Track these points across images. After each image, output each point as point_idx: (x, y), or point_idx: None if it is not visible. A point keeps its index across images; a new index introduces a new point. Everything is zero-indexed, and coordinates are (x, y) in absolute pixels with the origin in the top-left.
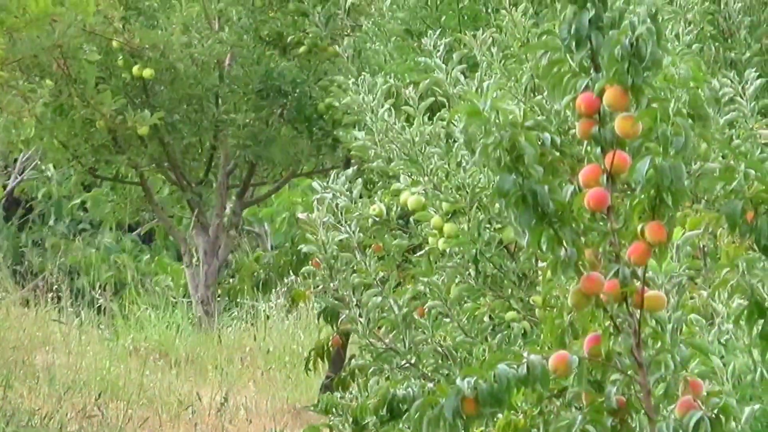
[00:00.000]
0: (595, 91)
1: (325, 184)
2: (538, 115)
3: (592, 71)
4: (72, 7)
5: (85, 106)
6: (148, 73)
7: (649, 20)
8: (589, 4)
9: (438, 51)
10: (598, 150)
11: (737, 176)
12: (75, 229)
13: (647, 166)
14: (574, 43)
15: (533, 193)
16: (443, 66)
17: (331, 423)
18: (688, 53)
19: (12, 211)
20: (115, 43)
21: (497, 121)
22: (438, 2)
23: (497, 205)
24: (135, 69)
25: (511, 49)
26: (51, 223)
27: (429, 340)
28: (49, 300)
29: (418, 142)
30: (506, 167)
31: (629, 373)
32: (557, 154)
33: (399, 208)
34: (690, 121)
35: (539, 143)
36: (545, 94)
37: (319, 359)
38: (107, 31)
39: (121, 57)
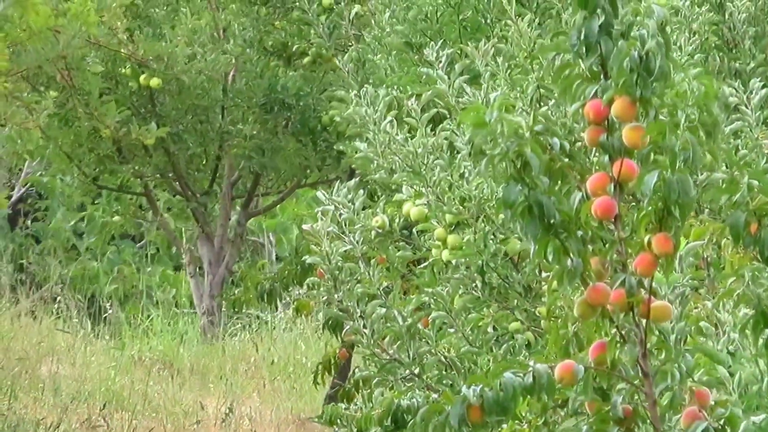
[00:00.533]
0: (604, 100)
1: (328, 195)
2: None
3: (601, 77)
4: (73, 19)
5: (89, 117)
6: (155, 82)
7: (658, 33)
8: (599, 11)
9: (440, 62)
10: (606, 158)
11: (741, 188)
12: (78, 240)
13: (655, 179)
14: (583, 49)
15: (539, 203)
16: (445, 77)
17: None
18: (692, 63)
19: (16, 222)
20: (120, 53)
21: (504, 131)
22: (438, 15)
23: (501, 216)
24: (142, 78)
25: (517, 59)
26: (54, 231)
27: (433, 351)
28: (54, 310)
29: (420, 153)
30: (512, 177)
31: (635, 382)
32: (566, 160)
33: (402, 220)
34: (700, 133)
35: (548, 148)
36: (551, 104)
37: (326, 372)
38: (111, 43)
39: (128, 66)
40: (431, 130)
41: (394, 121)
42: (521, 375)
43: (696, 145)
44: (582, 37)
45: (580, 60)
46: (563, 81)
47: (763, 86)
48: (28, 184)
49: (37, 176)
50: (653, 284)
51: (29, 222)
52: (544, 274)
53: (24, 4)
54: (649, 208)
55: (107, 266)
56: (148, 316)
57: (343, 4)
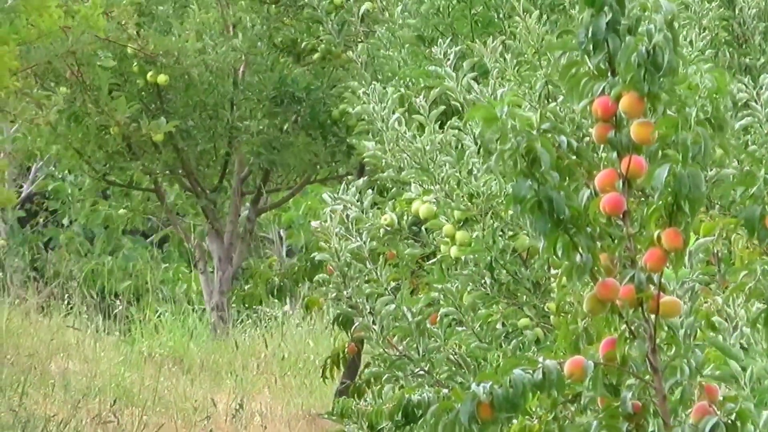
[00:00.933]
0: (612, 96)
1: (335, 195)
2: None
3: (609, 75)
4: (82, 21)
5: (99, 112)
6: (162, 79)
7: (665, 28)
8: (606, 8)
9: (448, 59)
10: (614, 154)
11: (757, 181)
12: (90, 237)
13: (666, 173)
14: (591, 46)
15: (549, 199)
16: (453, 74)
17: (346, 429)
18: (702, 59)
19: (27, 218)
20: (129, 49)
21: (514, 126)
22: (450, 9)
23: (510, 212)
24: (149, 75)
25: (525, 56)
26: (66, 228)
27: (442, 348)
28: (64, 307)
29: (429, 150)
30: (522, 173)
31: (645, 378)
32: (573, 157)
33: (411, 217)
34: (710, 128)
35: (555, 146)
36: (560, 101)
37: (335, 367)
38: (121, 38)
39: (135, 63)
40: (441, 126)
41: (402, 118)
42: (531, 371)
43: (707, 138)
44: (589, 35)
45: (587, 58)
46: (570, 79)
47: None
48: (37, 182)
49: (45, 179)
50: (662, 280)
51: (40, 220)
52: (553, 270)
53: (35, 4)
54: (659, 202)
55: (122, 262)
56: (156, 312)
57: (352, 1)
